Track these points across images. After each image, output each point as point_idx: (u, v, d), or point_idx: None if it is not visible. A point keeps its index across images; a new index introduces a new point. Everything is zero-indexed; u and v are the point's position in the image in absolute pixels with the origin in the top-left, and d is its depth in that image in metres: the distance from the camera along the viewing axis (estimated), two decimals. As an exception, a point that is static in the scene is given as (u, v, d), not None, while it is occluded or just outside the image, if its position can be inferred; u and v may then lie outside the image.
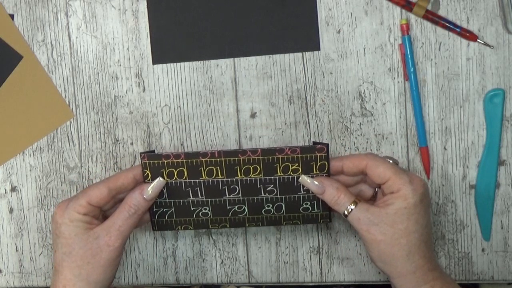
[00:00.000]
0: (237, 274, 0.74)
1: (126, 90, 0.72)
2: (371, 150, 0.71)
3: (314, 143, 0.65)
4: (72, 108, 0.73)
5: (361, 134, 0.71)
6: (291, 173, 0.63)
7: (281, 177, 0.64)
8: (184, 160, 0.63)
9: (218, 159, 0.63)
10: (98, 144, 0.73)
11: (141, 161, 0.63)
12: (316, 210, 0.65)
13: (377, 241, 0.60)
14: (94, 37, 0.72)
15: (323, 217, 0.66)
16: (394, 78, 0.70)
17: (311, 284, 0.73)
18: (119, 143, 0.73)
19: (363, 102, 0.70)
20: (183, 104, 0.72)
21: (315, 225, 0.72)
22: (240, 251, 0.73)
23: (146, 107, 0.72)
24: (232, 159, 0.63)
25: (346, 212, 0.61)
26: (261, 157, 0.63)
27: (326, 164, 0.63)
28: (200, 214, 0.66)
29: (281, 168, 0.63)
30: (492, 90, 0.69)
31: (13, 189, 0.74)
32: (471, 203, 0.71)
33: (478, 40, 0.68)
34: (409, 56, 0.69)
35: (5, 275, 0.75)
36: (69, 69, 0.72)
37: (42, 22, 0.72)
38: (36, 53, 0.72)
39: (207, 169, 0.64)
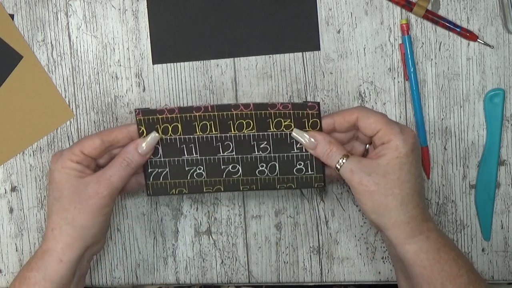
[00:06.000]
0: (237, 274, 0.74)
1: (126, 90, 0.72)
2: (371, 150, 0.71)
3: (305, 101, 0.65)
4: (72, 108, 0.73)
5: (361, 134, 0.71)
6: (284, 129, 0.64)
7: (274, 133, 0.64)
8: (178, 115, 0.64)
9: (211, 114, 0.64)
10: (98, 144, 0.73)
11: (136, 117, 0.64)
12: (310, 172, 0.65)
13: (370, 192, 0.60)
14: (94, 37, 0.72)
15: (317, 180, 0.66)
16: (394, 78, 0.70)
17: (311, 284, 0.73)
18: (119, 143, 0.73)
19: (363, 102, 0.70)
20: (183, 104, 0.72)
21: (315, 225, 0.72)
22: (240, 251, 0.73)
23: (146, 107, 0.72)
24: (225, 113, 0.64)
25: (338, 166, 0.62)
26: (253, 112, 0.64)
27: (318, 121, 0.63)
28: (194, 174, 0.66)
29: (273, 124, 0.64)
30: (492, 90, 0.69)
31: (13, 189, 0.74)
32: (471, 203, 0.71)
33: (478, 40, 0.68)
34: (409, 56, 0.69)
35: (5, 275, 0.75)
36: (69, 69, 0.72)
37: (42, 22, 0.72)
38: (36, 53, 0.72)
39: (201, 124, 0.64)
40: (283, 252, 0.73)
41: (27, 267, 0.64)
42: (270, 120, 0.64)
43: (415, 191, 0.60)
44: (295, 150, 0.65)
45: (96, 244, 0.65)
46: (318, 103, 0.63)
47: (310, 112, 0.63)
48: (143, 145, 0.63)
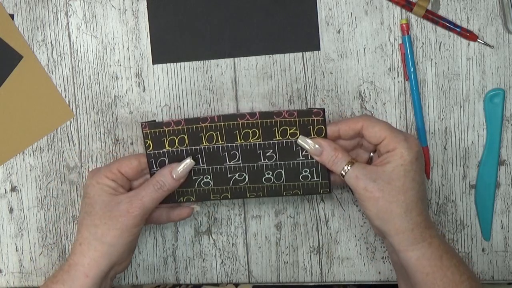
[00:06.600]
0: (237, 274, 0.74)
1: (126, 90, 0.72)
2: (371, 150, 0.71)
3: (310, 108, 0.65)
4: (72, 108, 0.73)
5: (361, 134, 0.71)
6: (290, 137, 0.64)
7: (280, 141, 0.64)
8: (185, 127, 0.64)
9: (217, 124, 0.64)
10: (98, 144, 0.73)
11: (142, 131, 0.64)
12: (315, 179, 0.65)
13: (375, 198, 0.60)
14: (94, 37, 0.72)
15: (322, 186, 0.66)
16: (394, 78, 0.70)
17: (311, 284, 0.73)
18: (119, 143, 0.73)
19: (363, 102, 0.70)
20: (183, 104, 0.72)
21: (315, 225, 0.72)
22: (240, 251, 0.73)
23: (146, 107, 0.72)
24: (231, 123, 0.64)
25: (343, 173, 0.62)
26: (259, 121, 0.64)
27: (323, 128, 0.64)
28: (202, 183, 0.66)
29: (279, 132, 0.64)
30: (492, 90, 0.69)
31: (13, 189, 0.74)
32: (471, 203, 0.71)
33: (478, 40, 0.68)
34: (409, 56, 0.69)
35: (5, 275, 0.75)
36: (69, 69, 0.72)
37: (42, 22, 0.72)
38: (36, 53, 0.72)
39: (207, 135, 0.64)
40: (283, 252, 0.73)
41: (53, 279, 0.63)
42: (276, 128, 0.64)
43: (419, 199, 0.61)
44: (301, 158, 0.65)
45: (121, 263, 0.66)
46: (323, 109, 0.63)
47: (315, 118, 0.63)
48: (178, 169, 0.64)
